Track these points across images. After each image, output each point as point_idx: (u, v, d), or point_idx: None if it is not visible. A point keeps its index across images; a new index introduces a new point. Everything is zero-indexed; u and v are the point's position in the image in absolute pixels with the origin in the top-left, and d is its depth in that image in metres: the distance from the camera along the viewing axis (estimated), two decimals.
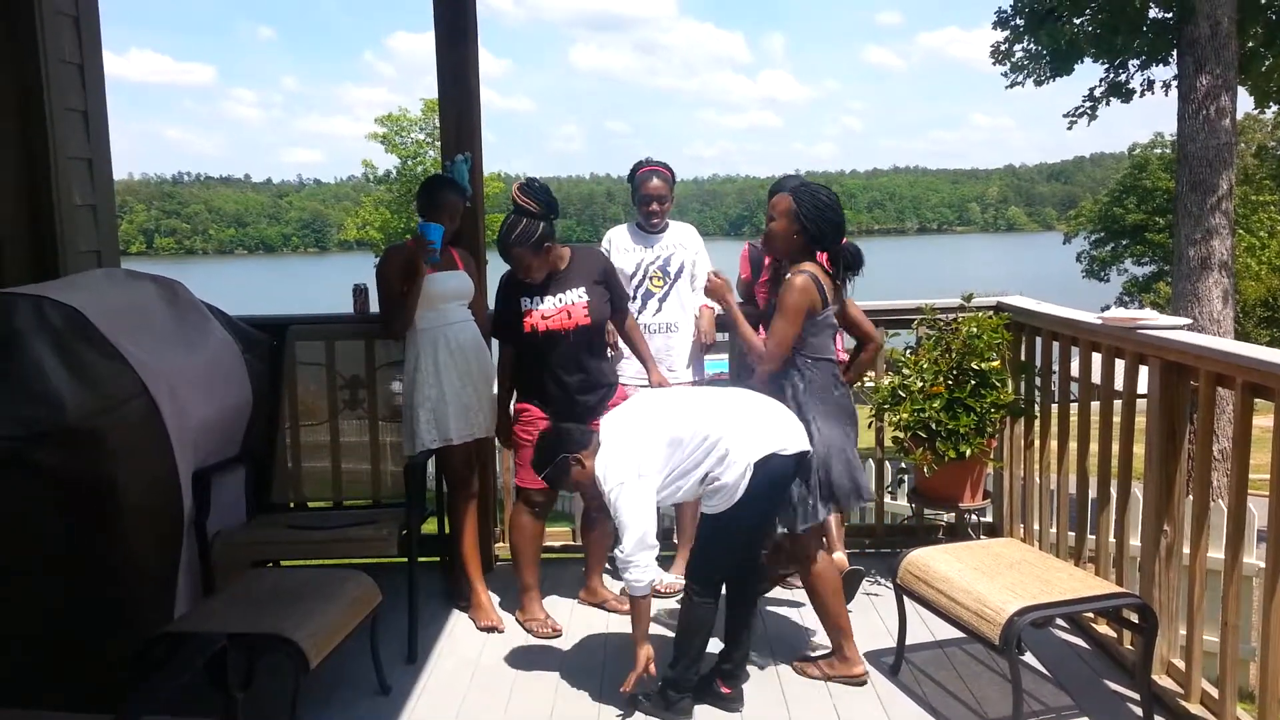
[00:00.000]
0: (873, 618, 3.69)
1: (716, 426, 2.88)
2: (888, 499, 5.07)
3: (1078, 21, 11.05)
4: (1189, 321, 3.34)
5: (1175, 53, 9.93)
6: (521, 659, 3.45)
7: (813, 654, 3.38)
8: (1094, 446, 3.55)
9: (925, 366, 3.92)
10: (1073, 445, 3.73)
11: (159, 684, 2.61)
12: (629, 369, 3.89)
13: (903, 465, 4.50)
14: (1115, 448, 3.36)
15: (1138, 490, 3.39)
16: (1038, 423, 4.01)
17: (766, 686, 3.21)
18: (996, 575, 2.98)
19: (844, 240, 3.25)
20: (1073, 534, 3.74)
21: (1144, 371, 3.14)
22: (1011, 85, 11.98)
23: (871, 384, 4.18)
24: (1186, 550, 3.01)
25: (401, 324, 3.61)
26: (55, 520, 2.81)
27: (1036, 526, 4.00)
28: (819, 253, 3.22)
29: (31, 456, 2.71)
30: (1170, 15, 10.17)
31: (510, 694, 3.21)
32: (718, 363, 4.15)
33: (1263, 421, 2.79)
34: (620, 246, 4.04)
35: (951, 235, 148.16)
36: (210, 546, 3.29)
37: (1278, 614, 2.55)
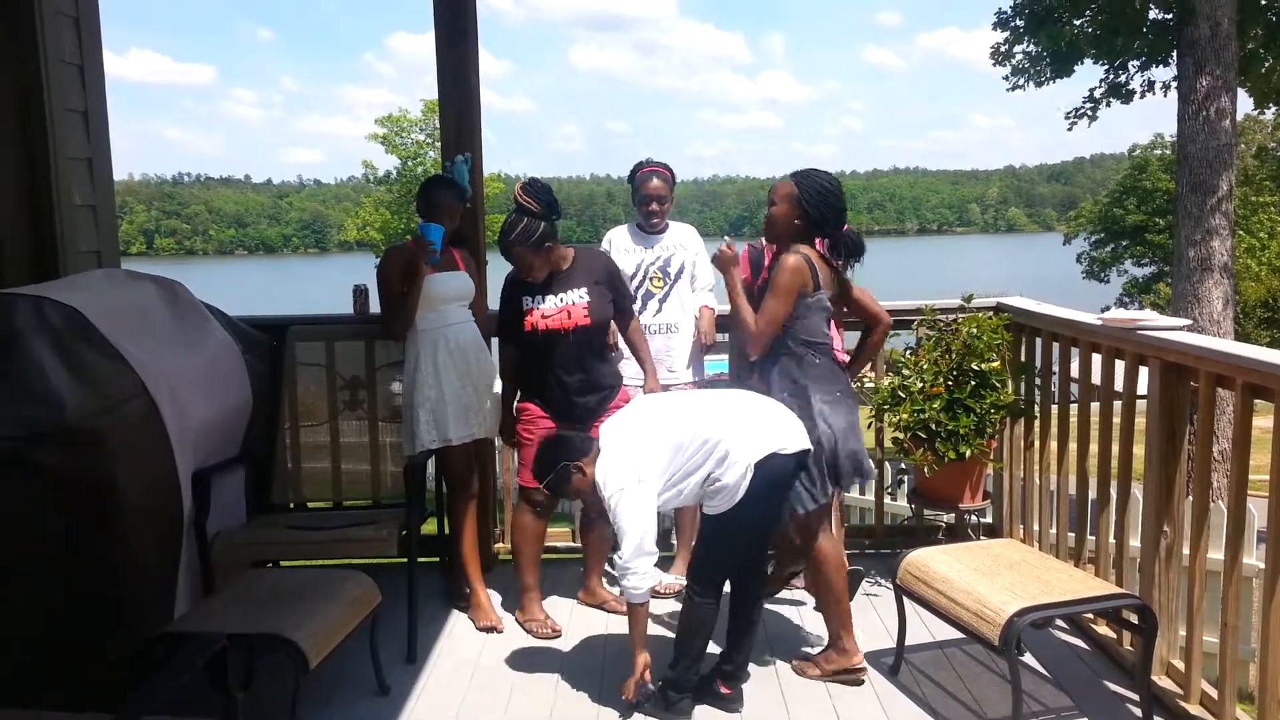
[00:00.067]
0: (872, 618, 3.69)
1: (716, 428, 2.88)
2: (887, 500, 5.07)
3: (1078, 23, 11.05)
4: (1189, 322, 3.34)
5: (1175, 54, 9.93)
6: (521, 660, 3.45)
7: (812, 652, 3.38)
8: (1094, 447, 3.55)
9: (925, 367, 3.92)
10: (1072, 446, 3.73)
11: (159, 684, 2.61)
12: (630, 369, 3.89)
13: (902, 466, 4.50)
14: (1115, 448, 3.36)
15: (1137, 491, 3.39)
16: (1038, 423, 4.01)
17: (766, 687, 3.21)
18: (996, 576, 2.98)
19: (845, 227, 3.25)
20: (1072, 535, 3.74)
21: (1144, 372, 3.14)
22: (1013, 89, 11.99)
23: (871, 385, 4.19)
24: (1186, 551, 3.01)
25: (402, 325, 3.61)
26: (55, 520, 2.81)
27: (1036, 527, 4.00)
28: (817, 240, 3.22)
29: (31, 456, 2.71)
30: (1170, 16, 10.17)
31: (510, 694, 3.21)
32: (717, 363, 4.15)
33: (1262, 422, 2.79)
34: (620, 247, 4.04)
35: (951, 236, 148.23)
36: (210, 547, 3.29)
37: (1277, 615, 2.55)
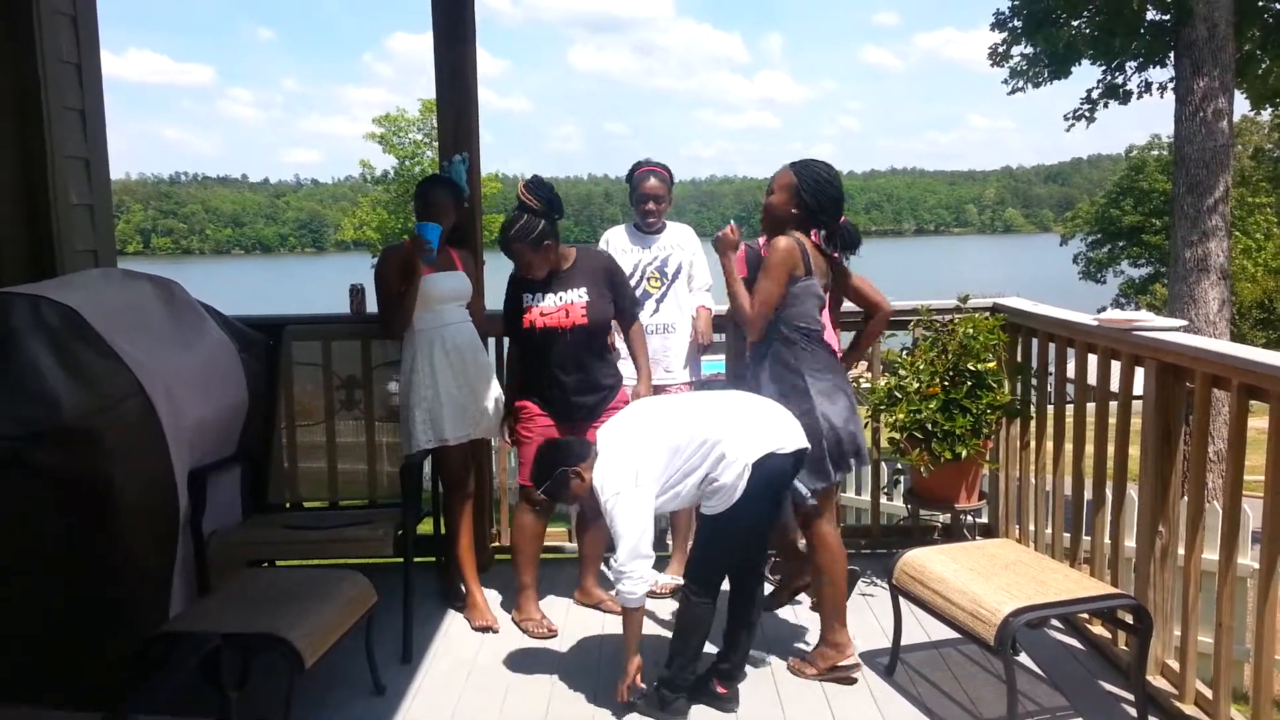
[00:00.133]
0: (868, 618, 3.70)
1: (713, 429, 2.88)
2: (883, 500, 5.07)
3: (1075, 24, 11.07)
4: (1184, 323, 3.34)
5: (1173, 55, 9.95)
6: (517, 659, 3.45)
7: (807, 650, 3.38)
8: (1090, 448, 3.55)
9: (921, 367, 3.92)
10: (1068, 446, 3.74)
11: (158, 684, 2.62)
12: (630, 369, 3.89)
13: (899, 466, 4.51)
14: (1111, 449, 3.37)
15: (1133, 491, 3.40)
16: (1034, 424, 4.02)
17: (761, 686, 3.21)
18: (992, 576, 2.98)
19: (842, 219, 3.25)
20: (1068, 535, 3.74)
21: (1140, 373, 3.14)
22: (1013, 92, 12.01)
23: (868, 385, 4.19)
24: (1181, 551, 3.02)
25: (400, 324, 3.61)
26: (53, 520, 2.81)
27: (1032, 527, 4.00)
28: (813, 231, 3.22)
29: (28, 456, 2.71)
30: (1167, 18, 10.19)
31: (506, 694, 3.21)
32: (714, 363, 4.15)
33: (1258, 423, 2.79)
34: (617, 247, 4.04)
35: (948, 237, 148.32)
36: (206, 546, 3.29)
37: (1271, 615, 2.56)
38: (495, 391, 3.79)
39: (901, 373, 3.98)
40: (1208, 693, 2.87)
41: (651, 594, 3.16)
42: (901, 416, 3.87)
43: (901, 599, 3.23)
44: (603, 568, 3.88)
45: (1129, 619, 2.97)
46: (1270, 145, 23.02)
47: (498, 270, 4.26)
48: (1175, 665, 3.03)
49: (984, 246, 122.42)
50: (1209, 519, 4.22)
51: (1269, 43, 10.52)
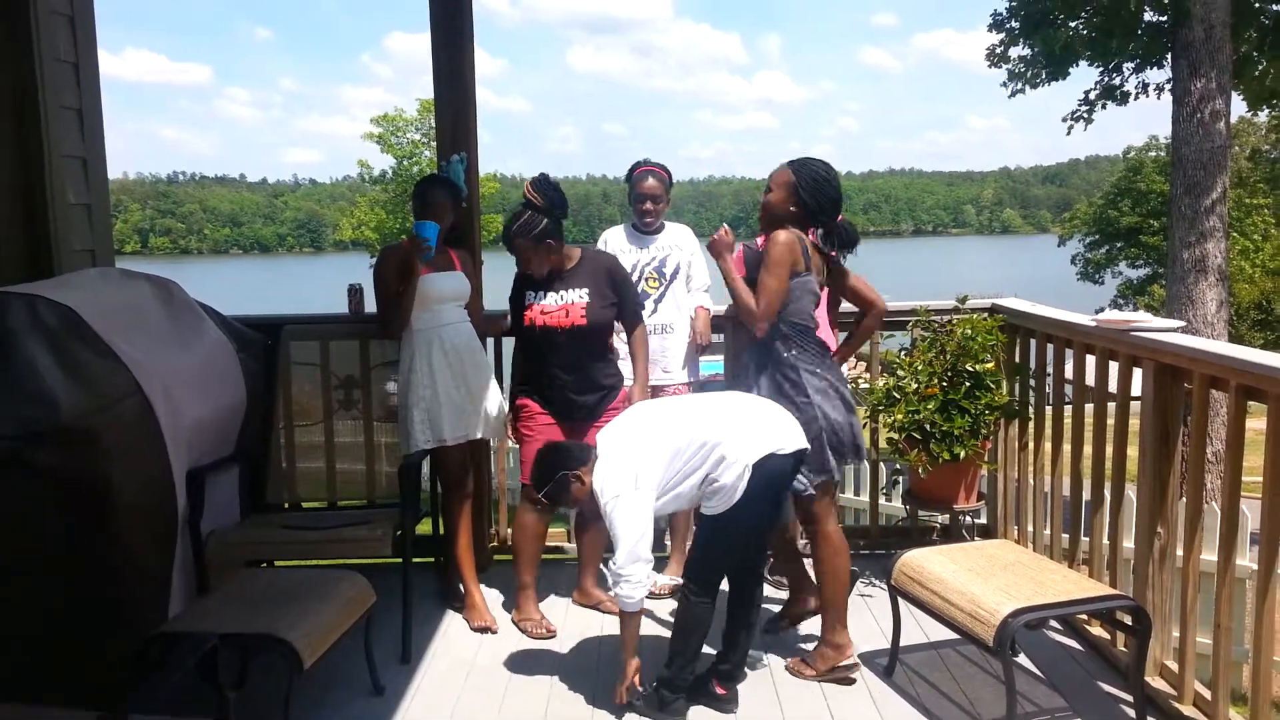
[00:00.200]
0: (867, 619, 3.70)
1: (713, 431, 2.88)
2: (882, 501, 5.07)
3: (1073, 25, 11.08)
4: (1182, 324, 3.35)
5: (1170, 56, 9.97)
6: (516, 660, 3.45)
7: (807, 650, 3.38)
8: (1088, 449, 3.56)
9: (920, 368, 3.92)
10: (1067, 447, 3.74)
11: (157, 684, 2.61)
12: (629, 369, 3.89)
13: (897, 467, 4.51)
14: (1109, 450, 3.37)
15: (1131, 492, 3.40)
16: (1032, 424, 4.02)
17: (760, 687, 3.21)
18: (991, 577, 2.98)
19: (840, 217, 3.26)
20: (1066, 536, 3.75)
21: (1138, 374, 3.15)
22: (1013, 95, 12.02)
23: (866, 385, 4.19)
24: (1180, 552, 3.02)
25: (398, 324, 3.61)
26: (51, 520, 2.80)
27: (1031, 528, 4.01)
28: (810, 230, 3.23)
29: (26, 456, 2.70)
30: (1165, 19, 10.20)
31: (505, 694, 3.20)
32: (713, 364, 4.15)
33: (1256, 424, 2.79)
34: (616, 247, 4.04)
35: (947, 237, 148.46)
36: (204, 546, 3.28)
37: (1270, 616, 2.56)
38: (494, 392, 3.79)
39: (900, 373, 3.98)
40: (1206, 694, 2.88)
41: (651, 594, 3.15)
42: (900, 417, 3.87)
43: (900, 600, 3.23)
44: (602, 568, 3.88)
45: (1128, 620, 2.98)
46: (1268, 146, 23.06)
47: (496, 270, 4.26)
48: (1174, 666, 3.03)
49: (982, 247, 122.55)
50: (1207, 520, 4.23)
51: (1266, 44, 10.54)
